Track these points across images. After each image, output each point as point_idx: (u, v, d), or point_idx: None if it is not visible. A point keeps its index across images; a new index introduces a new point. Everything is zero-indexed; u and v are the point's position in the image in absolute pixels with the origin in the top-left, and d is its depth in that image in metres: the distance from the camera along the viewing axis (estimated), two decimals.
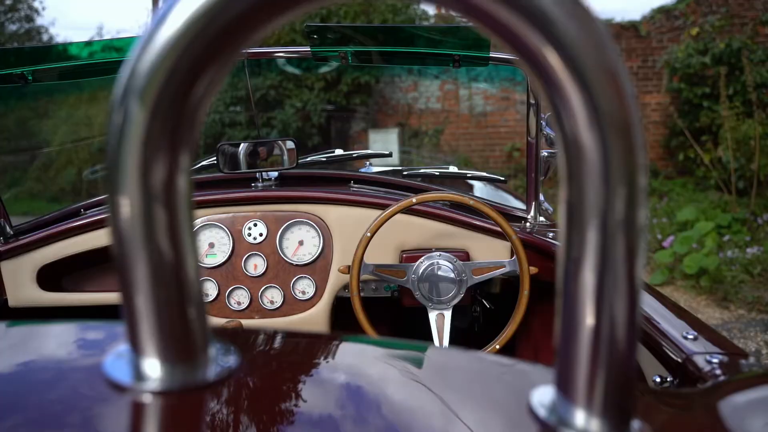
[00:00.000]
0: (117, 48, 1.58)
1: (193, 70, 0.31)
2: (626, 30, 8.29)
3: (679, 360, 0.90)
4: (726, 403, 0.52)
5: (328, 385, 0.41)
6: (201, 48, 0.30)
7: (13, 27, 14.98)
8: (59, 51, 1.57)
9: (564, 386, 0.36)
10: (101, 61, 1.58)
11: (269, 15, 0.31)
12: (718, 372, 0.81)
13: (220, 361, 0.38)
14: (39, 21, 15.35)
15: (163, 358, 0.35)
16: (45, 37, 15.25)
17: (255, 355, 0.45)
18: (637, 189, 0.32)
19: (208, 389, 0.36)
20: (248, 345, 0.46)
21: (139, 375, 0.35)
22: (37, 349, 0.43)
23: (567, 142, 0.32)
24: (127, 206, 0.33)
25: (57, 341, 0.45)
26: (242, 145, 1.68)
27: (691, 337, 0.95)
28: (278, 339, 0.50)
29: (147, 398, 0.34)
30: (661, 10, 8.22)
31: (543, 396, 0.38)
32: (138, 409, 0.35)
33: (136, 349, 0.35)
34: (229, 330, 0.48)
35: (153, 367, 0.35)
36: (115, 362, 0.37)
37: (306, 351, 0.47)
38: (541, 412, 0.36)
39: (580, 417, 0.35)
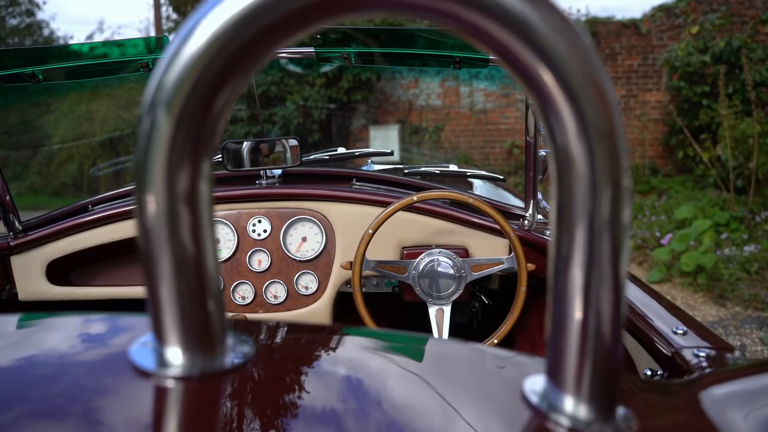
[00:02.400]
0: (125, 48, 1.60)
1: (215, 83, 0.34)
2: (627, 28, 8.29)
3: (669, 354, 0.93)
4: (708, 393, 0.54)
5: (335, 374, 0.43)
6: (222, 63, 0.33)
7: (13, 21, 14.96)
8: (68, 50, 1.59)
9: (554, 375, 0.38)
10: (110, 61, 1.60)
11: (286, 32, 0.33)
12: (704, 365, 0.84)
13: (236, 350, 0.41)
14: (40, 15, 15.34)
15: (184, 346, 0.38)
16: (45, 32, 15.24)
17: (268, 345, 0.47)
18: (622, 192, 0.35)
19: (226, 376, 0.39)
20: (261, 335, 0.49)
21: (162, 362, 0.38)
22: (64, 339, 0.46)
23: (557, 150, 0.35)
24: (153, 206, 0.35)
25: (82, 331, 0.48)
26: (246, 142, 1.71)
27: (680, 331, 0.98)
28: (288, 330, 0.52)
29: (170, 383, 0.37)
30: (662, 8, 8.22)
31: (535, 384, 0.41)
32: (162, 394, 0.38)
33: (160, 339, 0.38)
34: (243, 321, 0.51)
35: (175, 355, 0.38)
36: (140, 350, 0.40)
37: (314, 341, 0.50)
38: (533, 399, 0.39)
39: (569, 403, 0.38)
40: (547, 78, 0.33)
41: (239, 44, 0.33)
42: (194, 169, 0.35)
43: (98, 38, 15.34)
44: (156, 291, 0.37)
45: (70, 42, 15.51)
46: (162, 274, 0.37)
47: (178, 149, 0.34)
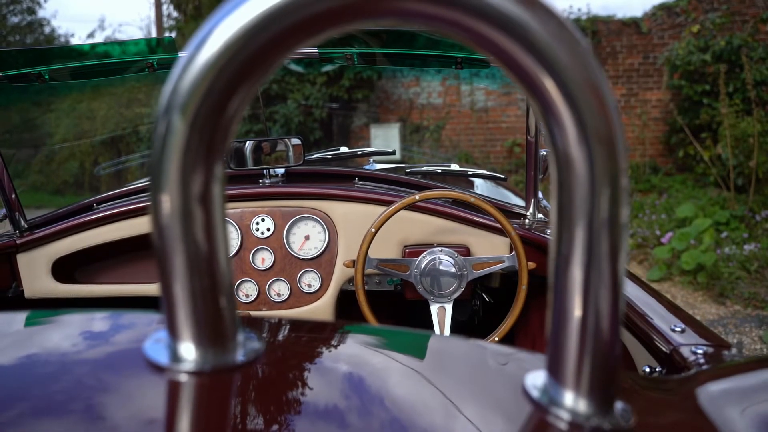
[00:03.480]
0: (126, 47, 1.61)
1: (228, 88, 0.35)
2: (627, 26, 8.29)
3: (667, 351, 0.94)
4: (705, 389, 0.55)
5: (339, 370, 0.45)
6: (236, 69, 0.34)
7: (14, 19, 14.96)
8: (71, 50, 1.60)
9: (555, 371, 0.40)
10: (115, 61, 1.61)
11: (298, 39, 0.35)
12: (701, 362, 0.86)
13: (246, 345, 0.42)
14: (40, 14, 15.33)
15: (197, 342, 0.39)
16: (47, 30, 15.24)
17: (272, 341, 0.49)
18: (620, 192, 0.36)
19: (237, 370, 0.40)
20: (265, 332, 0.50)
21: (175, 357, 0.39)
22: (75, 336, 0.47)
23: (558, 153, 0.36)
24: (167, 206, 0.37)
25: (92, 328, 0.49)
26: (249, 142, 1.72)
27: (678, 329, 0.99)
28: (292, 327, 0.54)
29: (183, 378, 0.39)
30: (663, 7, 8.22)
31: (536, 379, 0.42)
32: (175, 387, 0.39)
33: (173, 334, 0.40)
34: (247, 318, 0.52)
35: (188, 350, 0.39)
36: (154, 346, 0.41)
37: (318, 338, 0.51)
38: (534, 394, 0.40)
39: (569, 398, 0.39)
40: (548, 84, 0.35)
41: (252, 51, 0.34)
42: (207, 171, 0.36)
43: (99, 36, 15.34)
44: (170, 288, 0.38)
45: (71, 40, 15.51)
46: (176, 272, 0.38)
47: (192, 152, 0.36)
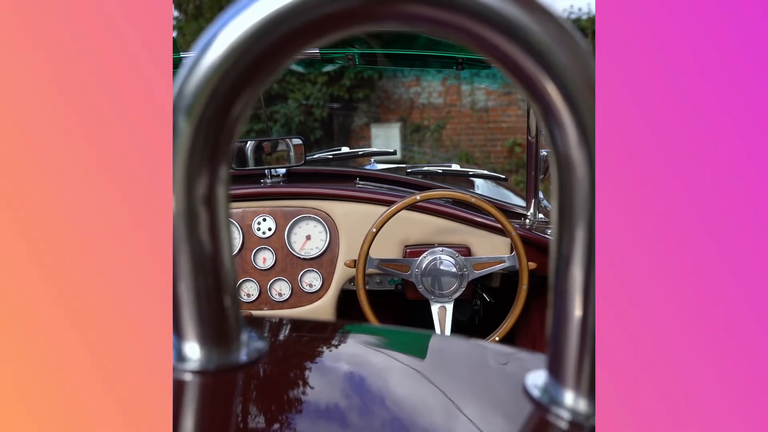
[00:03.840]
0: None
1: (232, 91, 0.35)
2: None
3: None
4: None
5: (340, 369, 0.45)
6: (240, 72, 0.35)
7: None
8: None
9: (555, 370, 0.40)
10: None
11: (303, 42, 0.35)
12: None
13: (250, 345, 0.42)
14: None
15: (201, 341, 0.40)
16: None
17: (273, 341, 0.49)
18: None
19: (241, 369, 0.41)
20: (266, 332, 0.50)
21: (180, 356, 0.40)
22: None
23: (558, 155, 0.37)
24: (172, 207, 0.37)
25: None
26: (250, 142, 1.73)
27: None
28: (293, 327, 0.54)
29: (188, 377, 0.39)
30: None
31: (536, 379, 0.42)
32: (179, 387, 0.39)
33: (178, 334, 0.40)
34: (248, 318, 0.52)
35: (193, 350, 0.40)
36: None
37: (319, 338, 0.52)
38: (535, 393, 0.41)
39: (569, 397, 0.39)
40: (548, 86, 0.35)
41: (257, 54, 0.34)
42: (212, 173, 0.37)
43: None
44: (175, 288, 0.39)
45: None
46: (181, 272, 0.38)
47: (197, 154, 0.36)
